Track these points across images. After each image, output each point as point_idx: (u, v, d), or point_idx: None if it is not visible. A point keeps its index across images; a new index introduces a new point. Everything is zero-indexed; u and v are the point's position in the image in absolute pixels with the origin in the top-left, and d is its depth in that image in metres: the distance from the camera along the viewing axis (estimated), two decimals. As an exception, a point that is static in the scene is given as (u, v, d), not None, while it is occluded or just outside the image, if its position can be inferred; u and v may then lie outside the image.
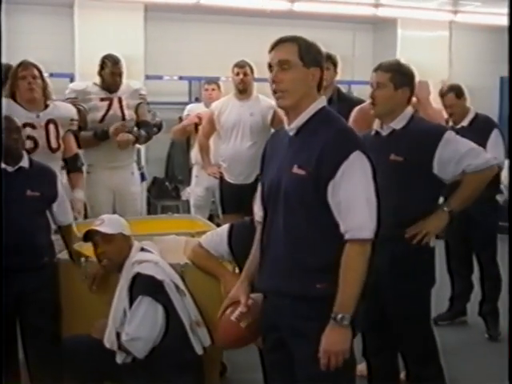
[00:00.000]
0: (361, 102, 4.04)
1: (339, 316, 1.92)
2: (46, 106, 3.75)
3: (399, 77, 2.70)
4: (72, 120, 3.93)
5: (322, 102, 2.06)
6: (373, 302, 2.66)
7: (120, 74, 4.40)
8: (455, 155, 2.63)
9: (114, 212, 4.46)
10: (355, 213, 1.93)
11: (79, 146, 4.13)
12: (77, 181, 3.95)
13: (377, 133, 2.77)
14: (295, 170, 1.98)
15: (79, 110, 4.18)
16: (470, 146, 2.69)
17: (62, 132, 3.80)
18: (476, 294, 4.29)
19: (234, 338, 2.27)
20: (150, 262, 2.82)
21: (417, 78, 2.82)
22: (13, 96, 3.64)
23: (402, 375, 3.26)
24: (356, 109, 3.39)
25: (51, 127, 3.73)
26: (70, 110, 3.97)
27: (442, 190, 2.78)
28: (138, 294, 2.72)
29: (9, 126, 2.96)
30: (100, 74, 4.40)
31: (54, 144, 3.73)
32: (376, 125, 2.79)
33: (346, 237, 1.94)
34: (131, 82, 4.61)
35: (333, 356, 1.93)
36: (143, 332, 2.69)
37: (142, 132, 4.46)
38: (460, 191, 2.71)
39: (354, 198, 1.93)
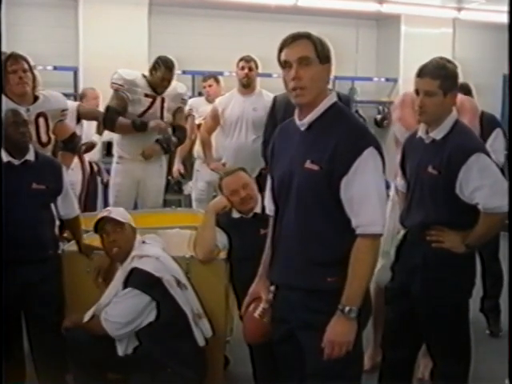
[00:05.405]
0: (346, 98, 4.06)
1: (346, 308, 1.94)
2: (36, 99, 3.59)
3: (447, 82, 2.50)
4: (63, 111, 3.78)
5: (333, 97, 2.06)
6: (403, 302, 2.66)
7: (170, 80, 4.29)
8: (471, 185, 2.46)
9: (136, 204, 4.49)
10: (367, 208, 1.95)
11: (111, 130, 4.28)
12: (65, 160, 3.83)
13: (420, 138, 2.64)
14: (308, 165, 1.99)
15: (122, 97, 4.20)
16: (487, 182, 2.45)
17: (51, 124, 3.67)
18: (477, 291, 4.29)
19: (260, 333, 2.27)
20: (151, 256, 2.83)
21: None
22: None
23: (420, 374, 3.28)
24: (402, 98, 3.29)
25: (41, 121, 3.58)
26: (61, 101, 3.81)
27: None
28: (130, 286, 2.77)
29: (16, 119, 2.96)
30: (151, 72, 4.28)
31: (43, 138, 3.58)
32: (421, 129, 2.64)
33: (358, 231, 1.96)
34: (178, 84, 4.49)
35: (337, 346, 1.95)
36: (121, 319, 2.75)
37: (173, 138, 4.44)
38: (476, 228, 2.53)
39: (367, 194, 1.95)
